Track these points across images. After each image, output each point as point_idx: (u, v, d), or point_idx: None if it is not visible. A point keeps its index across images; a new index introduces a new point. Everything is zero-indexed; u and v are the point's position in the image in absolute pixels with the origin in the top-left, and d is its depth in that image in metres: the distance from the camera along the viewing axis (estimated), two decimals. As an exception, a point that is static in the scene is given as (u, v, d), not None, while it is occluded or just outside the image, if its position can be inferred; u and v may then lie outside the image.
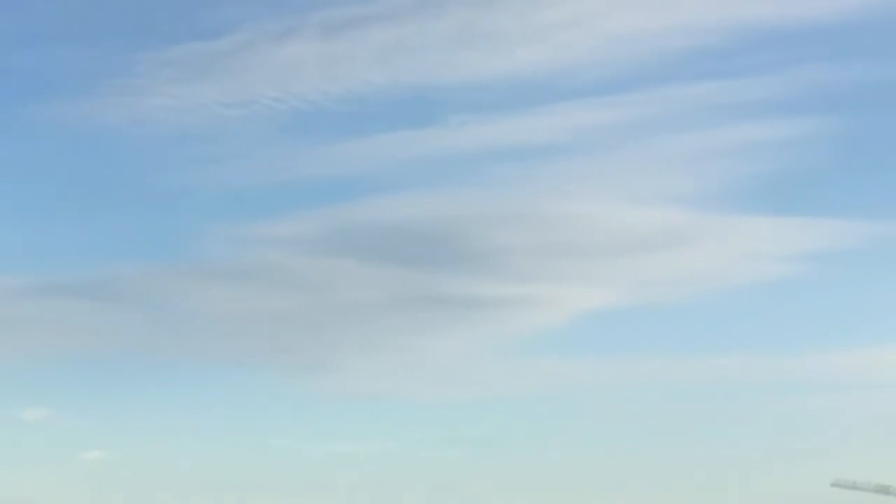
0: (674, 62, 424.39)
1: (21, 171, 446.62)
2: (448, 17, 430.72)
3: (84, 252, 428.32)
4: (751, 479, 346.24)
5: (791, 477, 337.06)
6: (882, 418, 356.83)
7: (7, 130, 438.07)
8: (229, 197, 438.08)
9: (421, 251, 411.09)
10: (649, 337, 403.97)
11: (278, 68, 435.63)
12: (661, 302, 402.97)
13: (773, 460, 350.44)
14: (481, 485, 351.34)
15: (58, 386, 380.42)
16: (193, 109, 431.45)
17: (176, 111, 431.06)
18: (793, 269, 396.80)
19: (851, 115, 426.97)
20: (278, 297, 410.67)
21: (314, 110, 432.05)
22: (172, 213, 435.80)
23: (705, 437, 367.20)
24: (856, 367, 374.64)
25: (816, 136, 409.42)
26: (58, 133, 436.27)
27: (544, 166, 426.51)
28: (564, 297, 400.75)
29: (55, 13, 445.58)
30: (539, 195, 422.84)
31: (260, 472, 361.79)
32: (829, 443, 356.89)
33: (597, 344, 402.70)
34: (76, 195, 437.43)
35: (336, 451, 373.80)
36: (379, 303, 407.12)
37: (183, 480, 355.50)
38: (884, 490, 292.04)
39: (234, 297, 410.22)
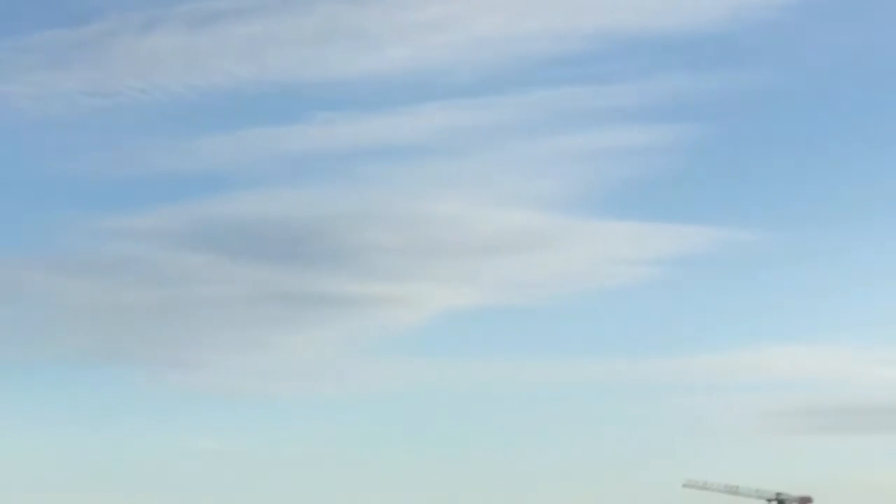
0: (539, 67, 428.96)
1: None
2: (316, 14, 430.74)
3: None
4: (605, 479, 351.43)
5: (645, 477, 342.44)
6: (734, 420, 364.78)
7: None
8: (89, 189, 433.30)
9: (285, 248, 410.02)
10: (510, 338, 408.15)
11: (142, 59, 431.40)
12: (523, 303, 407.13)
13: (627, 461, 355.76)
14: (339, 482, 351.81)
15: None
16: (54, 98, 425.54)
17: (35, 99, 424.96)
18: (650, 274, 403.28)
19: (708, 124, 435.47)
20: (139, 291, 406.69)
21: (178, 103, 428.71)
22: (29, 203, 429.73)
23: (562, 438, 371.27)
24: (709, 370, 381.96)
25: (675, 143, 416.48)
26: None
27: (410, 166, 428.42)
28: (428, 296, 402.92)
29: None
30: (404, 195, 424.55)
31: (118, 469, 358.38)
32: (682, 444, 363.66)
33: (459, 344, 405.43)
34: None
35: (196, 449, 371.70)
36: (241, 299, 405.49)
37: (39, 477, 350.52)
38: (733, 490, 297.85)
39: (93, 291, 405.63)
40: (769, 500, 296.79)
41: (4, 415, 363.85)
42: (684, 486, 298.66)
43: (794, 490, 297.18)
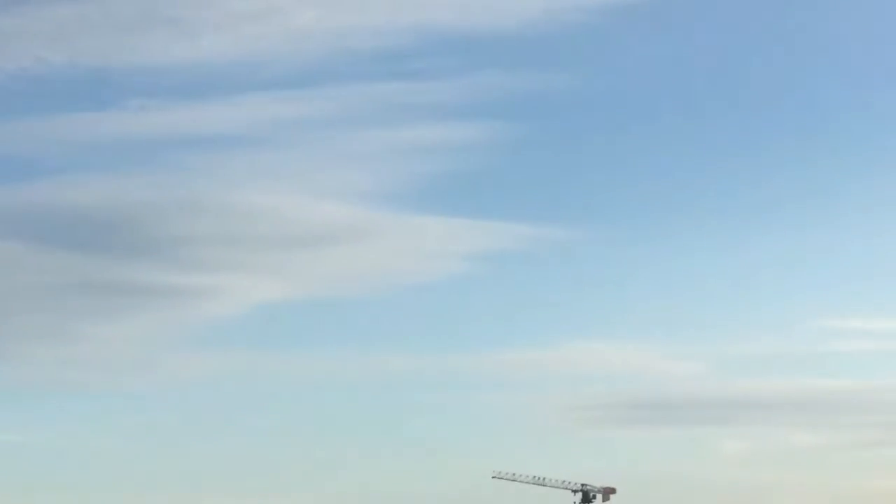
0: (358, 61, 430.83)
1: None
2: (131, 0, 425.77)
3: None
4: (415, 471, 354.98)
5: (454, 469, 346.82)
6: (541, 414, 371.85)
7: None
8: None
9: (97, 237, 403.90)
10: (324, 331, 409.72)
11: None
12: (337, 297, 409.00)
13: (437, 453, 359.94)
14: (145, 474, 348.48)
15: None
16: None
17: None
18: (462, 269, 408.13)
19: (522, 122, 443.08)
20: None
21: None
22: None
23: (372, 431, 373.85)
24: (518, 365, 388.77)
25: (489, 140, 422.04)
26: None
27: (226, 157, 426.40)
28: (242, 288, 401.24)
29: None
30: (220, 185, 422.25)
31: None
32: (490, 437, 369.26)
33: (272, 336, 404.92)
34: None
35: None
36: (48, 289, 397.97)
37: None
38: (540, 482, 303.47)
39: None
40: (575, 492, 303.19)
41: None
42: (493, 477, 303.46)
43: (598, 481, 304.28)
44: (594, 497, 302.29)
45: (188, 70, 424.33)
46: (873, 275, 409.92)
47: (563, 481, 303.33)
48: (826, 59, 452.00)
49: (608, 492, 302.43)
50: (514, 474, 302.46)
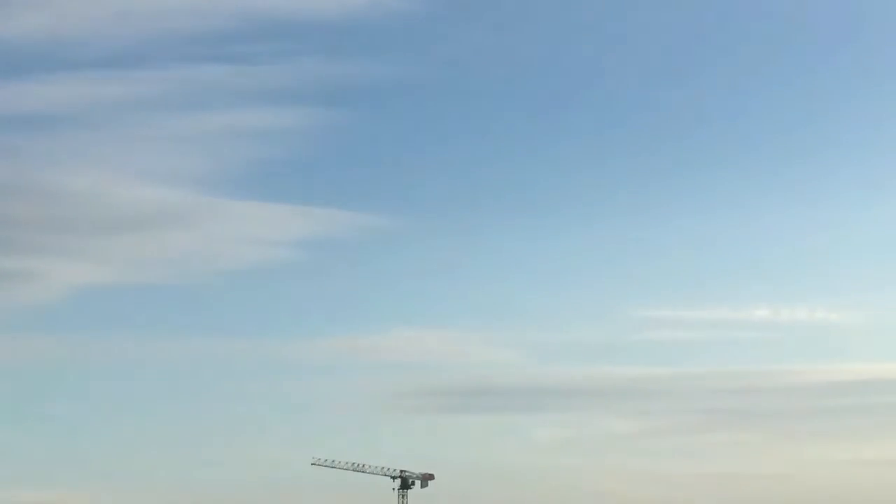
0: (180, 43, 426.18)
1: None
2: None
3: None
4: (235, 458, 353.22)
5: (274, 456, 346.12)
6: (361, 400, 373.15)
7: None
8: None
9: None
10: (142, 315, 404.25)
11: None
12: (156, 281, 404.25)
13: (256, 440, 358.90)
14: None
15: None
16: None
17: None
18: (284, 255, 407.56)
19: (345, 109, 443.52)
20: None
21: None
22: None
23: (191, 417, 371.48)
24: (338, 351, 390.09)
25: (313, 127, 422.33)
26: None
27: (42, 137, 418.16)
28: (59, 272, 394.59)
29: None
30: (36, 166, 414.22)
31: None
32: (310, 424, 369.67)
33: (90, 321, 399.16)
34: None
35: None
36: None
37: None
38: (359, 468, 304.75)
39: None
40: (394, 478, 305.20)
41: None
42: (312, 464, 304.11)
43: (417, 468, 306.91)
44: (413, 483, 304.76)
45: (3, 47, 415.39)
46: (686, 266, 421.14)
47: (383, 468, 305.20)
48: (621, 54, 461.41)
49: (427, 478, 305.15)
50: (333, 461, 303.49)
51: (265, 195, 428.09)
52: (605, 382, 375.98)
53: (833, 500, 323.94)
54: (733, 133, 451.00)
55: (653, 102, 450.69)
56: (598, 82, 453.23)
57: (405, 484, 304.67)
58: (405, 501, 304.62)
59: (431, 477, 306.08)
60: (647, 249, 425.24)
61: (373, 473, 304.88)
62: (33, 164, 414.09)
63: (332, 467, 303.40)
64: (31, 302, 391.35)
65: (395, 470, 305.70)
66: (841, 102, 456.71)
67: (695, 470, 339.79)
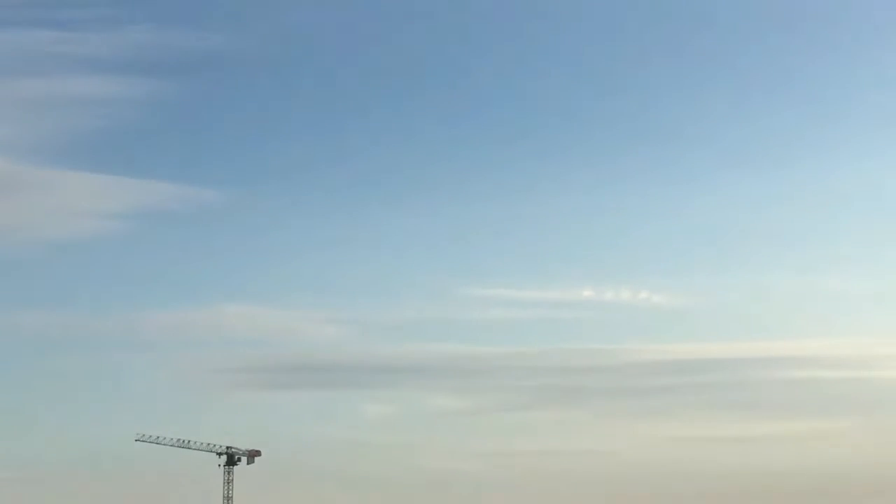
0: (4, 6, 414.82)
1: None
2: None
3: None
4: (58, 434, 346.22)
5: (97, 431, 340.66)
6: (186, 376, 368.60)
7: None
8: None
9: None
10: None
11: None
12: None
13: (78, 415, 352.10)
14: None
15: None
16: None
17: None
18: (109, 227, 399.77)
19: (173, 80, 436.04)
20: None
21: None
22: None
23: (12, 392, 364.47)
24: (163, 326, 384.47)
25: (140, 97, 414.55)
26: None
27: None
28: None
29: None
30: None
31: None
32: (134, 399, 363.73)
33: None
34: None
35: None
36: None
37: None
38: (185, 444, 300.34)
39: None
40: (220, 454, 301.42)
41: None
42: (136, 440, 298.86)
43: (244, 444, 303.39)
44: (239, 460, 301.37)
45: None
46: (517, 247, 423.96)
47: (209, 444, 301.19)
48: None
49: (253, 454, 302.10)
50: (157, 437, 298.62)
51: (90, 166, 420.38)
52: (436, 360, 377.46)
53: (657, 477, 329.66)
54: (564, 115, 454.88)
55: (486, 80, 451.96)
56: (435, 53, 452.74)
57: (231, 460, 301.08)
58: (231, 477, 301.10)
59: (258, 453, 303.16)
60: (479, 230, 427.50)
61: (198, 450, 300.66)
62: None
63: (157, 443, 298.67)
64: None
65: (221, 446, 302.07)
66: (674, 93, 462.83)
67: (524, 447, 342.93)
